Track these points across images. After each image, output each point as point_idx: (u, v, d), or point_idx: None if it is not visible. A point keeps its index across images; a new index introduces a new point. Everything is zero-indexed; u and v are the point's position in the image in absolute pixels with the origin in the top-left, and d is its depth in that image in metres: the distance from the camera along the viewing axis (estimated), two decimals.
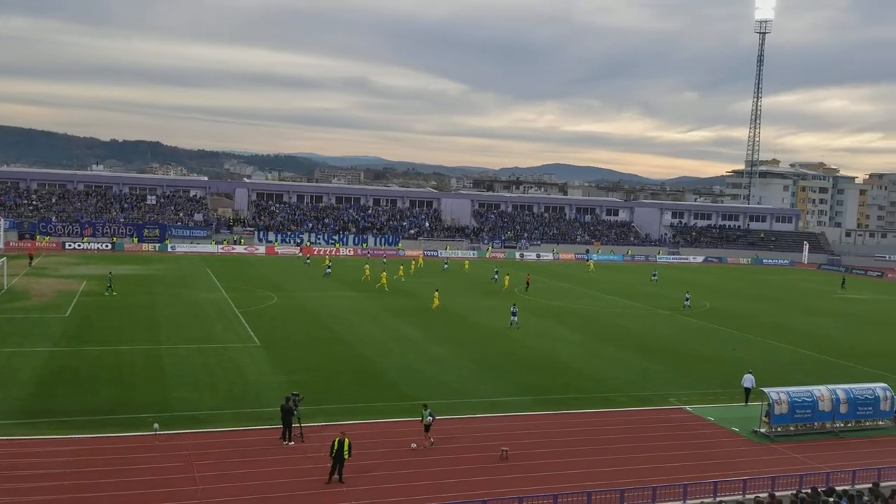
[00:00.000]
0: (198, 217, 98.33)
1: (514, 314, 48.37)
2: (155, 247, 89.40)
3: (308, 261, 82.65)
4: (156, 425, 25.53)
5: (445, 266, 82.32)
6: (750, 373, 33.79)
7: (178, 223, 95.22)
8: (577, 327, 49.29)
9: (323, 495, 21.50)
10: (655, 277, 79.88)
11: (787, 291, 77.45)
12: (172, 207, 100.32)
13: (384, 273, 65.84)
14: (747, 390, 32.92)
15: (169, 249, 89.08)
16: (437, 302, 53.76)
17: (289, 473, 22.89)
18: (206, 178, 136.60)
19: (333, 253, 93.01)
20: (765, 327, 52.83)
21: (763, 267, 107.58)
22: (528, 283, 67.39)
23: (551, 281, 74.84)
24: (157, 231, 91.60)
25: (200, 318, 46.14)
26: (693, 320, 54.79)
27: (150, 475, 22.15)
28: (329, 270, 71.28)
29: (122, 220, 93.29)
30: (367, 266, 71.27)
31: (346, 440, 22.31)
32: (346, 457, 22.28)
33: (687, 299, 60.80)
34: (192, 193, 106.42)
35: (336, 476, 22.31)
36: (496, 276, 71.88)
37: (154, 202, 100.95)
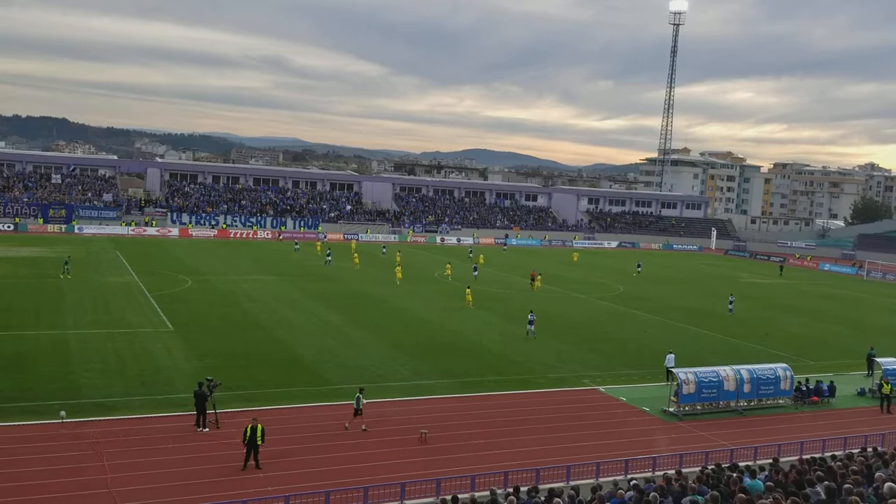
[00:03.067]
0: (107, 197, 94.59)
1: (530, 322, 42.26)
2: (61, 228, 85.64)
3: (297, 246, 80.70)
4: (62, 413, 24.62)
5: (470, 254, 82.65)
6: (671, 353, 35.00)
7: (86, 203, 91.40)
8: (496, 311, 49.88)
9: (239, 481, 21.19)
10: (640, 269, 77.31)
11: (698, 275, 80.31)
12: (80, 187, 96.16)
13: (398, 267, 62.12)
14: (669, 370, 34.04)
15: (76, 231, 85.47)
16: (469, 299, 50.40)
17: (204, 460, 22.47)
18: (115, 157, 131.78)
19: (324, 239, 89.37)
20: (675, 310, 54.67)
21: (673, 252, 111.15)
22: (532, 279, 62.41)
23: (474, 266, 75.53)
24: (63, 211, 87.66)
25: (110, 303, 44.56)
26: (607, 304, 56.23)
27: (58, 464, 21.38)
28: (329, 258, 69.02)
29: (25, 199, 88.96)
30: (356, 254, 70.46)
31: (259, 426, 22.05)
32: (260, 443, 22.04)
33: (731, 302, 55.87)
34: (100, 172, 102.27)
35: (252, 462, 22.06)
36: (471, 254, 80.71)
37: (60, 181, 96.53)
